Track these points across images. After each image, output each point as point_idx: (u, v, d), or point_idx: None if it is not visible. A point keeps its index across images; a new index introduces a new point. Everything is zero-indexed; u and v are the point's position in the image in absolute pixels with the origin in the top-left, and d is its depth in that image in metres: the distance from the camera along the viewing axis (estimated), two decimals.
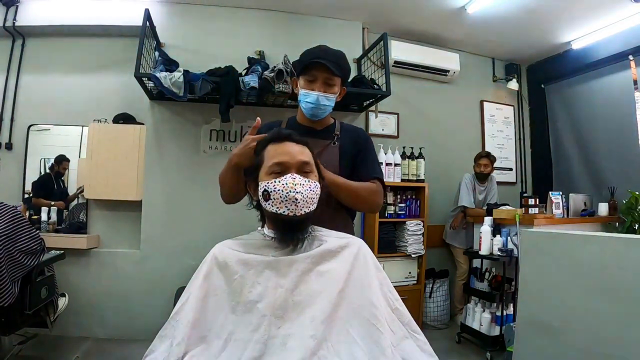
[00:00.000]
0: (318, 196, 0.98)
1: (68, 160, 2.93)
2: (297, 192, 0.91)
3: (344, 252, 0.96)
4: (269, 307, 0.85)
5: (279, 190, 0.91)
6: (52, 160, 2.90)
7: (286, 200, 0.91)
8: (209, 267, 0.93)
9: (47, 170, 2.89)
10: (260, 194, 0.95)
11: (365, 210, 1.55)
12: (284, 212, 0.92)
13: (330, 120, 1.40)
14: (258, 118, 1.17)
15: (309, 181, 0.94)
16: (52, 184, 2.89)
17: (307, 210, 0.94)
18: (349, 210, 1.35)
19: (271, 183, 0.93)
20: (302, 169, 0.96)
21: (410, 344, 0.90)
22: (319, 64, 1.24)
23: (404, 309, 0.96)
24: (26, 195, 2.84)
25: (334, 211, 1.26)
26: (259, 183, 0.96)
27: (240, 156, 1.09)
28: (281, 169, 0.95)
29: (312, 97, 1.27)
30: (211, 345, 0.83)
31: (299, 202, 0.91)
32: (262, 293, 0.87)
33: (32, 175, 2.87)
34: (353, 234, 1.22)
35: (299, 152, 0.98)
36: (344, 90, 1.36)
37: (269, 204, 0.94)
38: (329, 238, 1.00)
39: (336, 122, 1.40)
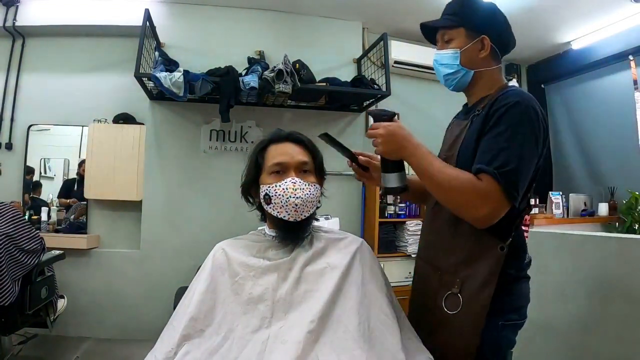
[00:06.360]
0: (318, 198, 1.00)
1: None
2: (297, 198, 0.92)
3: (344, 251, 0.97)
4: (269, 308, 0.86)
5: (279, 195, 0.92)
6: (77, 164, 2.91)
7: (286, 206, 0.92)
8: (210, 267, 0.95)
9: (75, 175, 2.91)
10: (261, 197, 0.97)
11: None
12: (284, 216, 0.93)
13: (484, 92, 1.00)
14: None
15: (308, 185, 0.95)
16: (73, 186, 2.91)
17: (307, 214, 0.96)
18: (487, 232, 0.88)
19: (272, 187, 0.94)
20: (300, 169, 0.97)
21: (411, 343, 0.90)
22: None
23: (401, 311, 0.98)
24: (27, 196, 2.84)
25: (461, 238, 0.93)
26: (261, 186, 0.97)
27: None
28: (281, 169, 0.96)
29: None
30: (209, 340, 0.84)
31: (299, 207, 0.92)
32: (263, 294, 0.88)
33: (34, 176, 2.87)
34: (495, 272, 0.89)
35: (298, 152, 0.99)
36: (486, 40, 0.97)
37: (270, 207, 0.95)
38: (329, 237, 1.01)
39: (499, 92, 0.94)
